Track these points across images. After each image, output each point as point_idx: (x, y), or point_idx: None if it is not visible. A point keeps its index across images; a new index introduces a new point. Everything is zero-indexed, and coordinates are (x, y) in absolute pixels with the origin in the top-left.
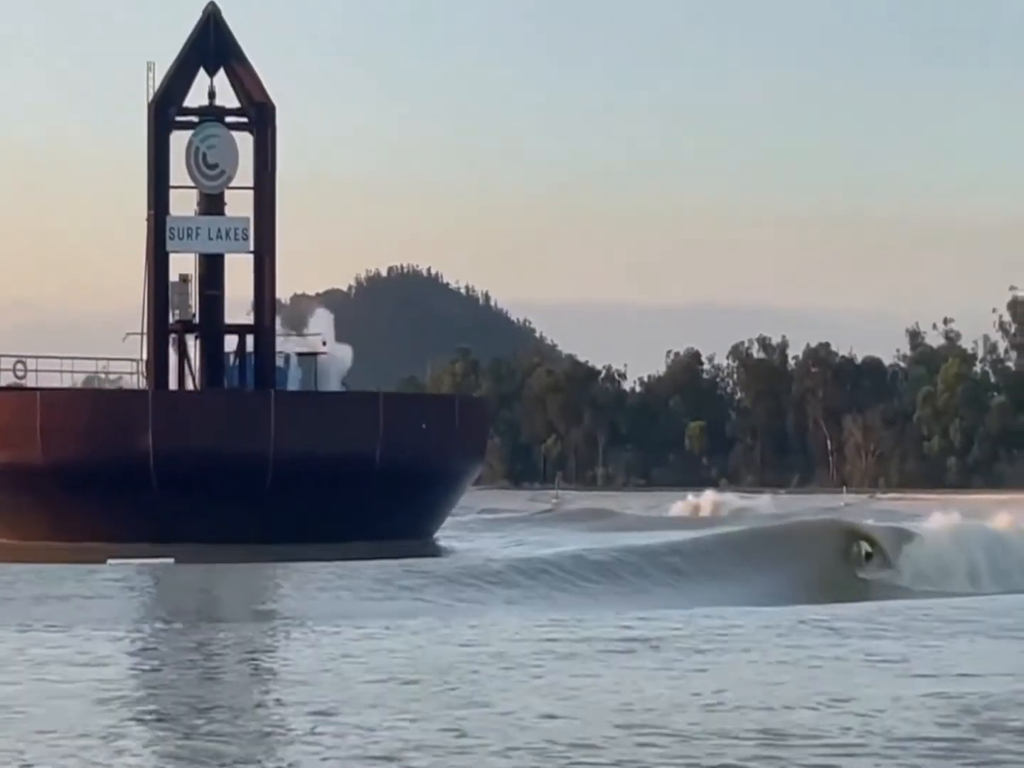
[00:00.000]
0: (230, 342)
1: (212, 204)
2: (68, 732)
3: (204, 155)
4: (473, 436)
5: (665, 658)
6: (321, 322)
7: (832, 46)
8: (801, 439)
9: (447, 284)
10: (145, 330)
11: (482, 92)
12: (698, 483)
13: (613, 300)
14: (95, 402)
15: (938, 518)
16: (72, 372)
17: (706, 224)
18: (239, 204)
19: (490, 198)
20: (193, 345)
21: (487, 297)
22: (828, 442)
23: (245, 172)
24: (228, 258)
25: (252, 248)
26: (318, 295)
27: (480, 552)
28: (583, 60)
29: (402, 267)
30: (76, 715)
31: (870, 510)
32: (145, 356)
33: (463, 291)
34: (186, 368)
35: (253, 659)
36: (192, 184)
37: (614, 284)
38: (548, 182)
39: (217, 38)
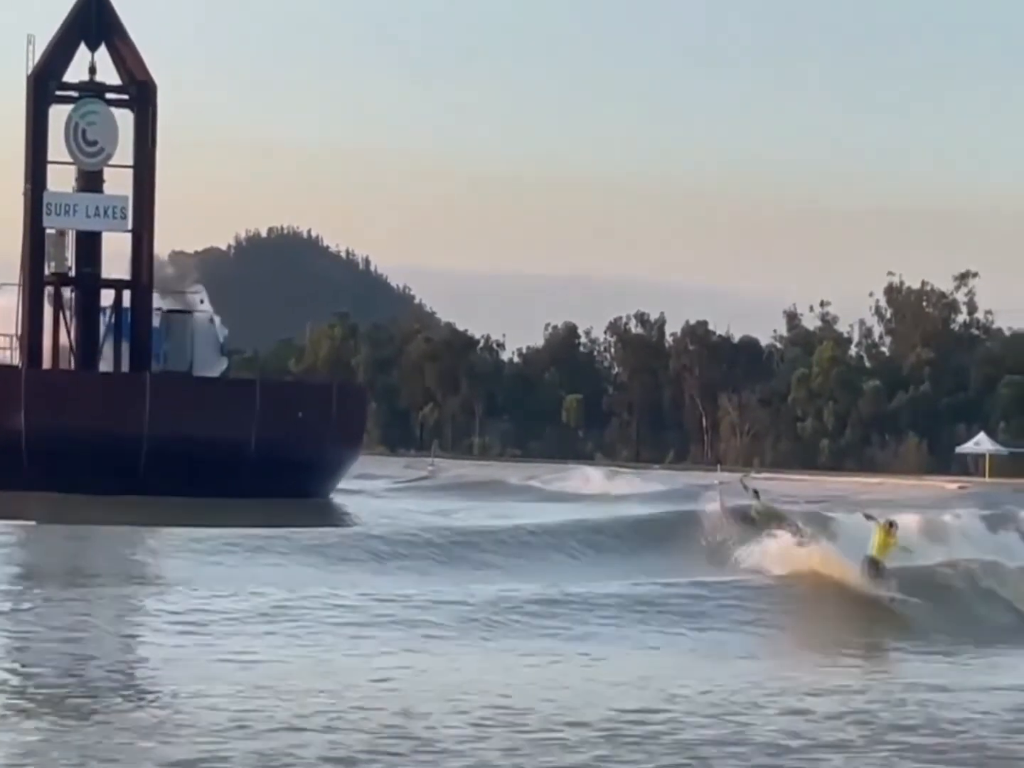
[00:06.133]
0: (107, 296)
1: (91, 181)
2: None
3: (84, 132)
4: (350, 424)
5: None
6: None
7: (710, 32)
8: (677, 416)
9: (327, 247)
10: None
11: (366, 55)
12: (574, 456)
13: (493, 270)
14: None
15: None
16: None
17: (588, 197)
18: (118, 181)
19: (373, 162)
20: (69, 298)
21: (367, 262)
22: (703, 420)
23: (125, 149)
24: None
25: (130, 227)
26: (197, 253)
27: None
28: (458, 21)
29: (282, 228)
30: None
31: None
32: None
33: (343, 255)
34: (61, 322)
35: None
36: (70, 160)
37: (495, 254)
38: (431, 148)
39: (99, 13)
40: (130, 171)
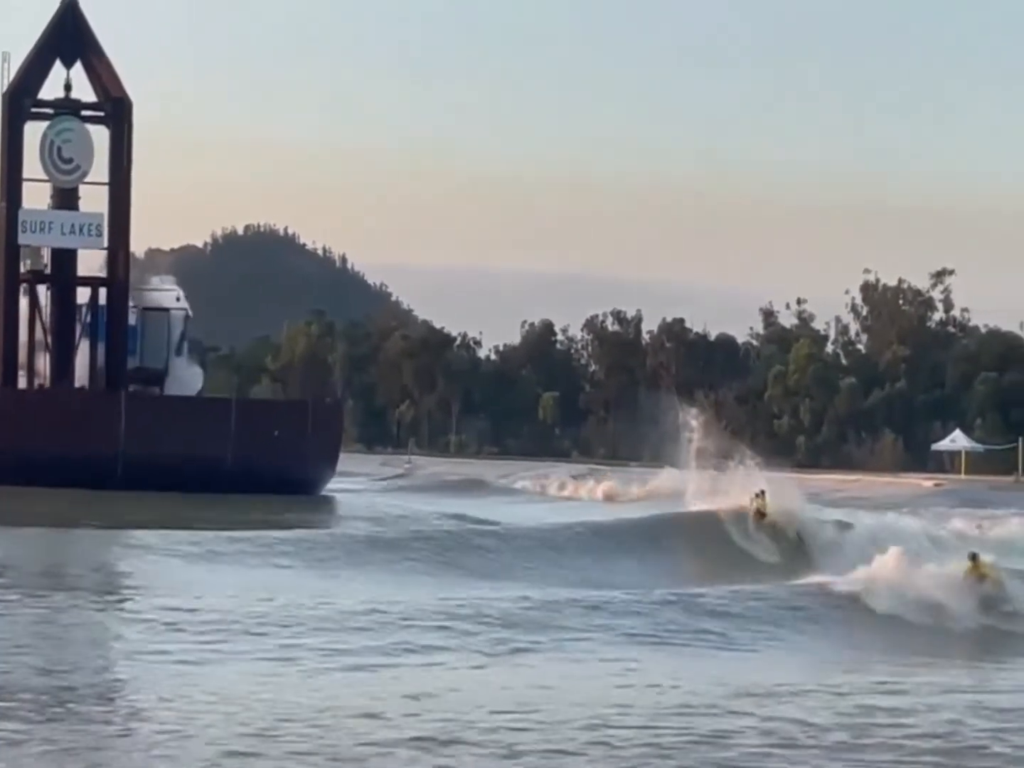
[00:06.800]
0: (83, 295)
1: (66, 198)
2: None
3: (59, 149)
4: (327, 440)
5: None
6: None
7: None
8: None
9: (304, 245)
10: None
11: (366, 55)
12: (551, 454)
13: (470, 267)
14: None
15: None
16: None
17: (567, 194)
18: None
19: (349, 159)
20: (45, 296)
21: (344, 259)
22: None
23: (100, 165)
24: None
25: (106, 244)
26: (173, 251)
27: None
28: (458, 21)
29: (259, 225)
30: None
31: None
32: None
33: (320, 252)
34: (37, 319)
35: None
36: (46, 177)
37: (472, 251)
38: (408, 145)
39: (75, 30)
40: (106, 188)
